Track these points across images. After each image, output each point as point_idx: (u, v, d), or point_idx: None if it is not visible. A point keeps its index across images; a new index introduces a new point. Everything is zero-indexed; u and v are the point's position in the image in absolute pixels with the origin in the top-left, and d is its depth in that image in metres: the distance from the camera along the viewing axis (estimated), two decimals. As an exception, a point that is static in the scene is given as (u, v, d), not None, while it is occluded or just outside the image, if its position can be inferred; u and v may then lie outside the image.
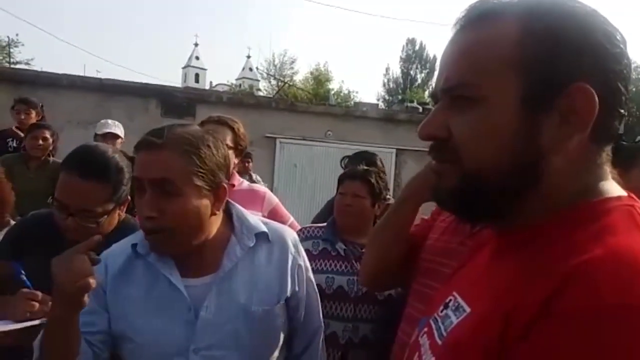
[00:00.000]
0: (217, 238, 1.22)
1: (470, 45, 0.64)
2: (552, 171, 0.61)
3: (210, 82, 58.81)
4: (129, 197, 1.54)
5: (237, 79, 58.06)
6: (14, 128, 4.55)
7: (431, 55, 43.75)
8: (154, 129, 1.16)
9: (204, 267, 1.20)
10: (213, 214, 1.18)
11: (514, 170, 0.61)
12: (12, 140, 4.50)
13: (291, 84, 28.69)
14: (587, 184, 0.63)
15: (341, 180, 2.13)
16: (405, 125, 9.38)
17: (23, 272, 1.34)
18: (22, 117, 4.40)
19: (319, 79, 32.30)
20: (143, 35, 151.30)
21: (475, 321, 0.60)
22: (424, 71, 43.77)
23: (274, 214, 2.27)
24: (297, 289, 1.29)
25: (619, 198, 0.62)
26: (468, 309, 0.64)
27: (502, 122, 0.61)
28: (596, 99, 0.58)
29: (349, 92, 32.70)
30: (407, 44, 44.59)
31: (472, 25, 0.65)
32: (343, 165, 3.36)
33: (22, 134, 4.23)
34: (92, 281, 1.03)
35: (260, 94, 31.10)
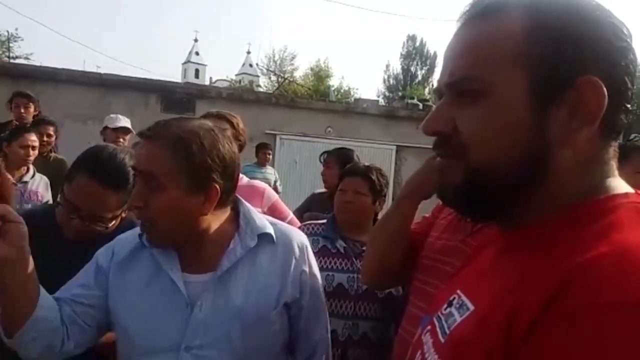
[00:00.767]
0: (221, 236, 1.20)
1: (475, 39, 0.63)
2: (559, 166, 0.60)
3: (210, 78, 58.68)
4: None
5: (237, 75, 58.06)
6: (14, 122, 4.54)
7: (432, 52, 43.65)
8: (157, 121, 1.14)
9: (205, 264, 1.18)
10: (203, 214, 1.14)
11: (522, 165, 0.60)
12: None
13: (291, 80, 28.68)
14: (594, 180, 0.62)
15: (342, 176, 2.12)
16: (405, 121, 9.38)
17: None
18: (22, 110, 4.35)
19: (319, 75, 32.29)
20: (143, 31, 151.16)
21: (479, 319, 0.59)
22: (424, 68, 43.65)
23: (273, 210, 2.26)
24: (298, 295, 1.23)
25: (626, 195, 0.61)
26: (472, 307, 0.63)
27: (509, 116, 0.60)
28: (605, 92, 0.57)
29: (349, 88, 32.68)
30: (407, 41, 44.49)
31: (477, 19, 0.64)
32: (322, 160, 3.38)
33: None
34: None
35: (260, 90, 31.07)
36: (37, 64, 8.80)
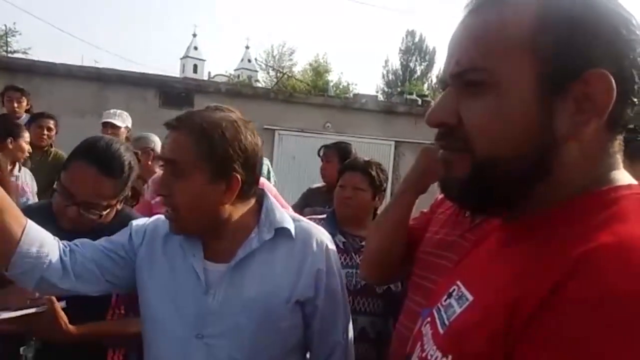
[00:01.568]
0: (242, 227, 1.21)
1: (482, 29, 0.62)
2: (565, 159, 0.60)
3: (209, 73, 58.60)
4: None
5: (235, 70, 57.89)
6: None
7: (431, 47, 43.62)
8: (186, 112, 1.20)
9: (225, 254, 1.19)
10: (224, 203, 1.16)
11: (529, 159, 0.59)
12: None
13: (290, 75, 28.60)
14: (599, 172, 0.61)
15: (341, 172, 2.12)
16: (404, 117, 9.36)
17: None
18: (15, 105, 4.31)
19: (318, 70, 32.23)
20: (142, 26, 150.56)
21: (479, 309, 0.59)
22: (423, 63, 43.60)
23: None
24: (312, 294, 1.21)
25: (629, 186, 0.60)
26: (471, 297, 0.62)
27: (516, 108, 0.59)
28: (614, 85, 0.56)
29: (348, 83, 32.63)
30: (406, 36, 44.42)
31: (484, 7, 0.63)
32: (320, 155, 3.37)
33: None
34: None
35: (259, 85, 31.00)
36: (35, 58, 8.75)
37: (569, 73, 0.58)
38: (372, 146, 8.94)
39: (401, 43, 44.20)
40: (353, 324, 1.91)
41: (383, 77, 43.22)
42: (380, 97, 21.89)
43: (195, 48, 67.73)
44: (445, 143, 0.65)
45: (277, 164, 8.62)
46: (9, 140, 3.21)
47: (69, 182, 1.42)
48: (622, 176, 0.62)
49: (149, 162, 3.16)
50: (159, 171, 3.05)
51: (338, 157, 3.16)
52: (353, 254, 1.95)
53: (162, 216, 1.29)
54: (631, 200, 0.58)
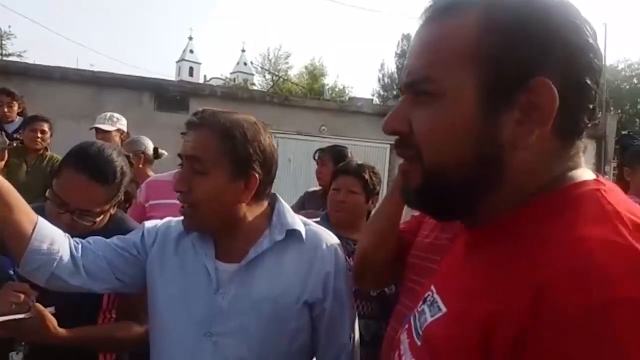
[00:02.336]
0: (254, 228, 1.24)
1: (432, 38, 0.63)
2: (514, 166, 0.60)
3: (205, 76, 58.53)
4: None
5: (231, 73, 57.89)
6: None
7: (426, 51, 43.60)
8: (202, 110, 1.23)
9: (236, 254, 1.21)
10: (241, 201, 1.20)
11: (475, 167, 0.60)
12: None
13: (286, 78, 28.62)
14: (555, 176, 0.61)
15: (335, 175, 2.13)
16: (399, 120, 9.37)
17: (13, 266, 1.33)
18: (5, 109, 4.27)
19: (314, 73, 32.30)
20: (137, 29, 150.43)
21: (452, 322, 0.59)
22: (419, 67, 43.59)
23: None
24: (321, 296, 1.23)
25: (584, 183, 0.60)
26: (444, 309, 0.62)
27: (459, 118, 0.59)
28: (556, 93, 0.56)
29: (344, 87, 32.79)
30: (402, 40, 44.39)
31: (436, 17, 0.63)
32: (315, 158, 3.38)
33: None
34: None
35: (255, 88, 31.00)
36: (30, 61, 8.75)
37: (514, 82, 0.58)
38: (368, 149, 8.95)
39: (397, 47, 44.24)
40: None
41: (379, 80, 43.22)
42: (376, 101, 21.92)
43: (191, 51, 67.75)
44: (400, 151, 0.67)
45: (272, 167, 8.61)
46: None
47: (61, 190, 1.41)
48: (578, 174, 0.62)
49: (141, 166, 3.15)
50: (152, 174, 3.05)
51: (333, 160, 3.17)
52: (347, 257, 1.95)
53: (173, 218, 1.33)
54: (586, 198, 0.57)
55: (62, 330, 1.30)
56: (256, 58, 40.26)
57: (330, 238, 1.31)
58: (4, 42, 24.72)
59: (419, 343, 0.64)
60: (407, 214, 1.49)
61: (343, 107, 9.73)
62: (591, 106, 0.60)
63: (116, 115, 3.91)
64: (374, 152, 9.12)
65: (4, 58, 19.40)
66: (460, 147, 0.60)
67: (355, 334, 1.36)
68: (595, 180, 0.61)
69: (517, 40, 0.57)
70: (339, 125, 9.08)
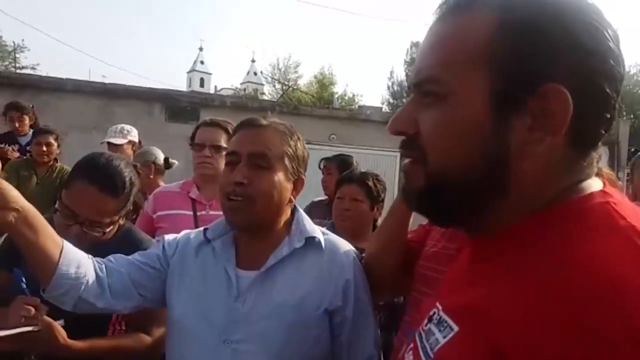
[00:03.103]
0: (276, 235, 1.27)
1: (442, 38, 0.60)
2: (522, 174, 0.57)
3: (215, 87, 59.00)
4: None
5: (241, 83, 58.29)
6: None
7: (435, 59, 43.55)
8: (249, 117, 1.31)
9: (257, 262, 1.23)
10: (289, 200, 1.27)
11: (481, 173, 0.57)
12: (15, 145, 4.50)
13: (295, 87, 28.74)
14: (564, 187, 0.58)
15: (339, 184, 2.13)
16: (409, 128, 9.35)
17: (24, 278, 1.34)
18: (17, 124, 4.36)
19: (323, 82, 32.35)
20: (148, 41, 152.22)
21: (466, 344, 0.55)
22: (428, 74, 43.54)
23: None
24: (340, 303, 1.22)
25: (591, 195, 0.57)
26: (456, 328, 0.57)
27: (467, 120, 0.57)
28: (570, 101, 0.53)
29: (353, 95, 32.76)
30: (411, 47, 44.39)
31: (448, 15, 0.61)
32: (321, 167, 3.37)
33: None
34: None
35: (265, 98, 31.15)
36: (43, 74, 8.88)
37: (526, 87, 0.55)
38: (378, 157, 8.93)
39: (406, 54, 44.23)
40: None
41: (388, 88, 43.14)
42: (386, 109, 21.88)
43: (202, 62, 68.43)
44: (406, 152, 0.64)
45: (282, 177, 8.62)
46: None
47: (70, 201, 1.42)
48: (586, 185, 0.59)
49: (151, 176, 3.17)
50: (162, 184, 3.06)
51: (338, 169, 3.16)
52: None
53: (192, 231, 1.36)
54: (596, 211, 0.55)
55: (71, 342, 1.31)
56: (266, 68, 40.53)
57: (348, 247, 1.33)
58: (17, 55, 25.13)
59: None
60: (415, 223, 1.48)
61: (352, 116, 9.74)
62: (608, 115, 0.57)
63: (127, 127, 3.87)
64: (384, 160, 9.09)
65: (18, 71, 19.72)
66: (467, 150, 0.57)
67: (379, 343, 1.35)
68: (602, 192, 0.58)
69: (532, 43, 0.54)
70: (348, 133, 9.09)
